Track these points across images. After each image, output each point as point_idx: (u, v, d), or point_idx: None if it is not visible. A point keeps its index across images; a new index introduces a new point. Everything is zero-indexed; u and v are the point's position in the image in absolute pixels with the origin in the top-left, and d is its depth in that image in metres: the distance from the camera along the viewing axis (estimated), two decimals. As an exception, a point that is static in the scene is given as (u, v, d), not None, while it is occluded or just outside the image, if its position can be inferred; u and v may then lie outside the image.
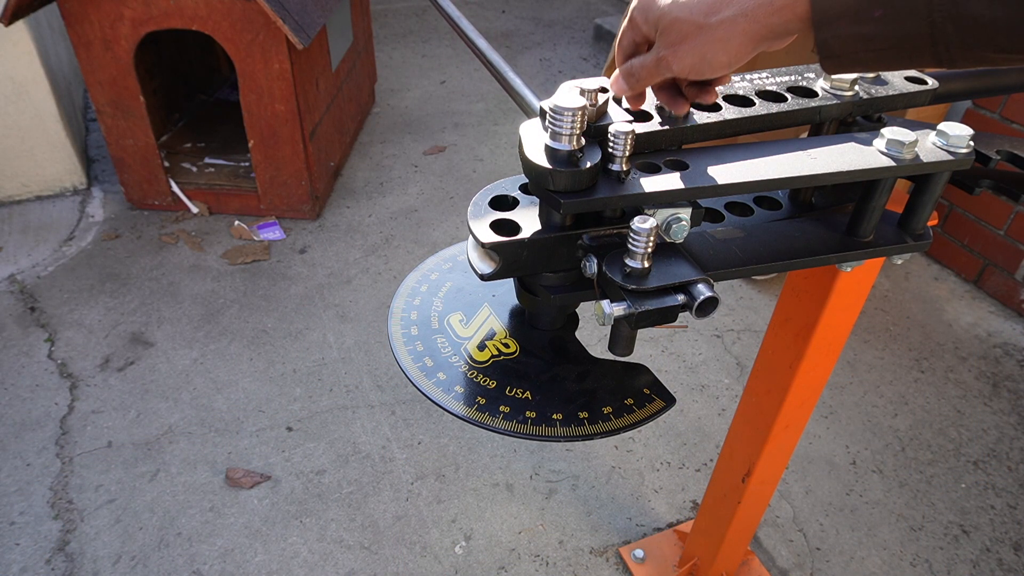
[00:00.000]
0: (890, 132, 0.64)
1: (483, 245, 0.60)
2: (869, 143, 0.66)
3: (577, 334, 0.75)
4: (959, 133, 0.65)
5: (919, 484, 1.74)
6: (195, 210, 2.51)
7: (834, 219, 0.75)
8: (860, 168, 0.63)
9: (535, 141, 0.59)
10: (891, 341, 2.15)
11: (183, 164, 2.55)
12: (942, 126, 0.66)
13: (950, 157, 0.65)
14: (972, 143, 0.66)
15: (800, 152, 0.64)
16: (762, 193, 0.78)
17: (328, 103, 2.57)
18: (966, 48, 0.48)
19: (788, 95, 0.71)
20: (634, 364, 0.71)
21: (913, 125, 0.79)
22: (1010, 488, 1.74)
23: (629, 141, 0.58)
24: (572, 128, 0.56)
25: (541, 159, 0.57)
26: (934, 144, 0.66)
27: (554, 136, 0.56)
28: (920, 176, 0.68)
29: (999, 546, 1.61)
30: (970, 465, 1.79)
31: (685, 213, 0.61)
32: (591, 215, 0.62)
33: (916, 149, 0.64)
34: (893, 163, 0.63)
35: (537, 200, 0.64)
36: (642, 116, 0.65)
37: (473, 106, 3.39)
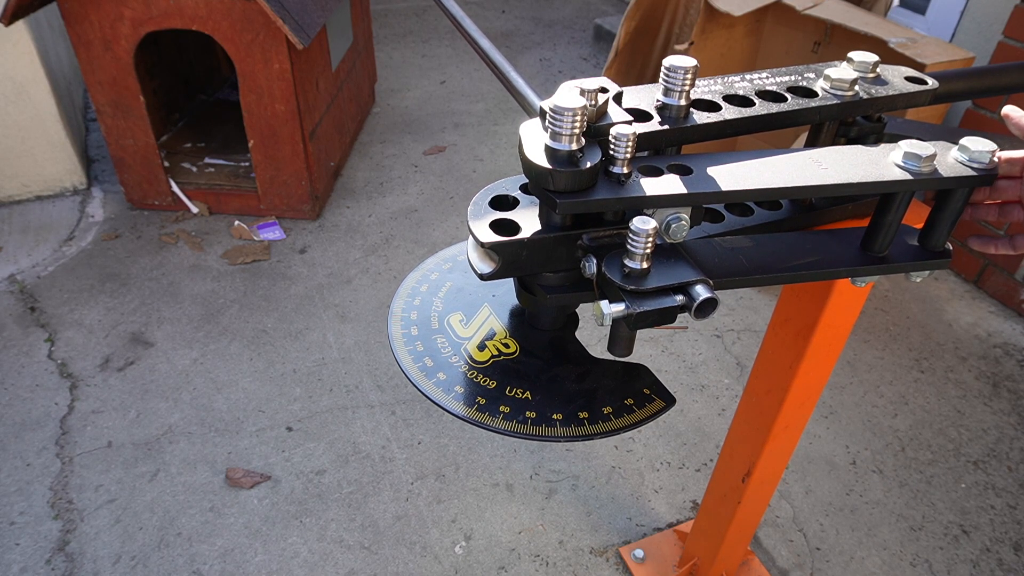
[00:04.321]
0: (907, 145, 0.62)
1: (483, 245, 0.60)
2: (879, 153, 0.64)
3: (577, 334, 0.75)
4: (982, 148, 0.63)
5: (919, 484, 1.74)
6: (195, 210, 2.51)
7: (848, 232, 0.73)
8: (874, 180, 0.61)
9: (535, 141, 0.59)
10: (891, 341, 2.15)
11: (183, 164, 2.55)
12: (964, 140, 0.64)
13: (972, 172, 0.63)
14: (996, 159, 0.63)
15: (809, 160, 0.63)
16: None
17: (328, 103, 2.57)
18: None
19: (788, 95, 0.71)
20: (634, 364, 0.71)
21: (915, 126, 0.79)
22: (1010, 488, 1.74)
23: (631, 143, 0.57)
24: (572, 128, 0.56)
25: (541, 159, 0.57)
26: (956, 159, 0.64)
27: (554, 136, 0.56)
28: (941, 192, 0.66)
29: (999, 546, 1.61)
30: (970, 465, 1.79)
31: (685, 212, 0.61)
32: (592, 216, 0.62)
33: (935, 163, 0.62)
34: (910, 176, 0.62)
35: (537, 200, 0.64)
36: (642, 116, 0.65)
37: (473, 106, 3.39)
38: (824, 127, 0.75)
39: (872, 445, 1.82)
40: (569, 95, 0.57)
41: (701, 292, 0.56)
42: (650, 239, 0.55)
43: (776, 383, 1.03)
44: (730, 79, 0.73)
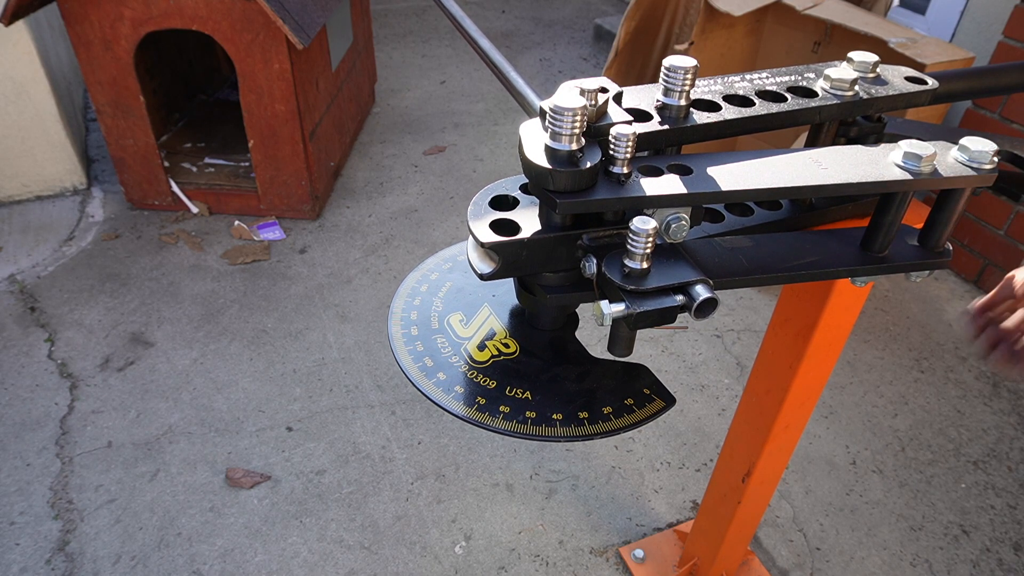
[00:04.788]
0: (907, 145, 0.62)
1: (483, 245, 0.60)
2: (879, 153, 0.64)
3: (577, 334, 0.75)
4: (982, 148, 0.63)
5: (919, 484, 1.74)
6: (195, 210, 2.51)
7: (847, 232, 0.73)
8: (874, 180, 0.61)
9: (535, 141, 0.59)
10: (891, 341, 2.15)
11: (183, 164, 2.55)
12: (964, 140, 0.64)
13: (972, 173, 0.62)
14: (996, 159, 0.63)
15: (809, 160, 0.63)
16: None
17: (328, 103, 2.57)
18: None
19: (788, 95, 0.71)
20: (634, 364, 0.71)
21: (915, 126, 0.79)
22: (1010, 488, 1.74)
23: (631, 143, 0.57)
24: (572, 128, 0.55)
25: (541, 159, 0.57)
26: (955, 159, 0.64)
27: (554, 136, 0.56)
28: (941, 192, 0.66)
29: (999, 546, 1.61)
30: (970, 465, 1.79)
31: (685, 212, 0.61)
32: (592, 216, 0.62)
33: (935, 163, 0.62)
34: (909, 176, 0.61)
35: (537, 200, 0.64)
36: (642, 116, 0.65)
37: (473, 106, 3.39)
38: (824, 127, 0.75)
39: (872, 445, 1.82)
40: (569, 95, 0.57)
41: (701, 292, 0.56)
42: (650, 239, 0.55)
43: (776, 383, 1.03)
44: (730, 79, 0.73)
